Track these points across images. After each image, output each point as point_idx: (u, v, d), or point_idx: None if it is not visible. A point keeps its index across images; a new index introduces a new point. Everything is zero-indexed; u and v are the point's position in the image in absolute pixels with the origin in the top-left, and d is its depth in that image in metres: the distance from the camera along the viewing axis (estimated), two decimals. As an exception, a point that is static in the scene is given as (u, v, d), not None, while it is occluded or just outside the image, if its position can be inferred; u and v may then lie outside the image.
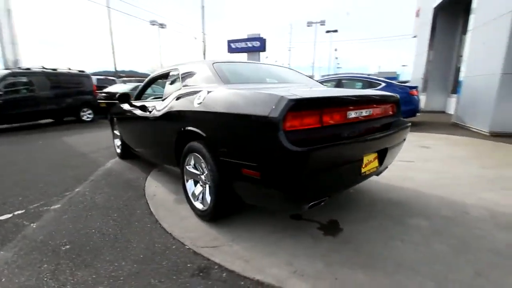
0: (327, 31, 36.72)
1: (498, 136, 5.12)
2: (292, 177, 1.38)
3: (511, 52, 4.80)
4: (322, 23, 30.93)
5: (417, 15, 14.14)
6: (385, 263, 1.51)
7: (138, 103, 3.04)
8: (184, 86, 2.32)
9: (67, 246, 1.75)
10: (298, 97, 1.38)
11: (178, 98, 2.26)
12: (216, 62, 2.33)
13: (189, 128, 1.97)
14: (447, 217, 2.03)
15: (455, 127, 6.55)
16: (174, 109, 2.23)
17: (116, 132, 3.95)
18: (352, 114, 1.65)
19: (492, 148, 4.33)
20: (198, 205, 2.08)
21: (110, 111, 4.23)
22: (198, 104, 1.91)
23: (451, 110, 8.69)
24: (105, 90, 10.09)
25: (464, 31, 9.00)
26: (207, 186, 1.97)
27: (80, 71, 8.52)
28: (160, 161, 2.91)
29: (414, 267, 1.47)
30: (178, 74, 2.48)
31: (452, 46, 9.72)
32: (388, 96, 2.06)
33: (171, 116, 2.27)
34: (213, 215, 1.95)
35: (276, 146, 1.34)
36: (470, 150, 4.17)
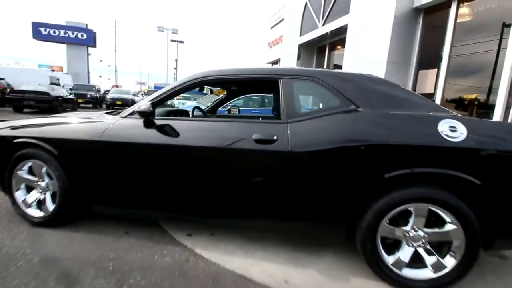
0: (173, 40, 35.94)
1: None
2: None
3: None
4: (175, 31, 30.17)
5: (270, 46, 17.30)
6: None
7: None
8: (360, 107, 1.62)
9: None
10: None
11: (359, 123, 1.57)
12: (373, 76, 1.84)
13: (431, 170, 1.45)
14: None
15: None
16: (370, 142, 1.51)
17: (29, 176, 2.11)
18: None
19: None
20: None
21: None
22: (458, 138, 1.42)
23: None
24: None
25: (319, 65, 11.95)
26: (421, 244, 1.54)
27: None
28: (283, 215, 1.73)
29: None
30: (327, 85, 1.70)
31: (310, 75, 12.55)
32: None
33: (360, 150, 1.52)
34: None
35: None
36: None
